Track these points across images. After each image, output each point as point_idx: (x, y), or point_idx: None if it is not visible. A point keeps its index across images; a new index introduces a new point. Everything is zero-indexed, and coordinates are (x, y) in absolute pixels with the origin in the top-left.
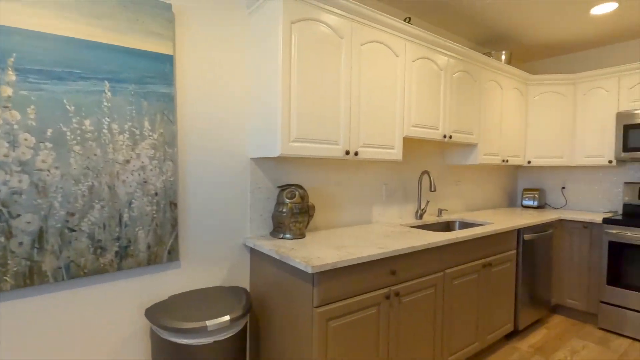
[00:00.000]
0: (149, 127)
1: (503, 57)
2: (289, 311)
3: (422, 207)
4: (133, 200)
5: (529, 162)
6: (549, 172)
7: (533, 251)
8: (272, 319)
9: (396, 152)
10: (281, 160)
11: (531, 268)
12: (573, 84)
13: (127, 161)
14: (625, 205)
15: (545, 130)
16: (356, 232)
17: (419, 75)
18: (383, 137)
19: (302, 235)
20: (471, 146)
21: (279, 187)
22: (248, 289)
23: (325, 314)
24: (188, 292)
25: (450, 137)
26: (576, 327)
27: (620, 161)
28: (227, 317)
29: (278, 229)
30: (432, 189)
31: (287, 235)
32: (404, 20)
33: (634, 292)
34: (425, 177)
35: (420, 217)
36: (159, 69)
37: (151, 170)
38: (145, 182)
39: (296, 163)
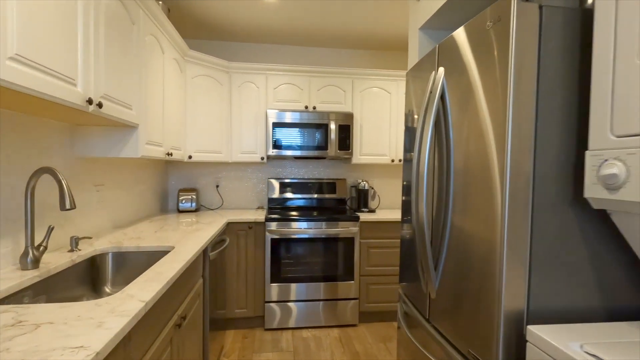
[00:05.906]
0: None
1: (160, 4)
2: None
3: (41, 241)
4: None
5: (190, 157)
6: (201, 169)
7: (215, 270)
8: None
9: None
10: None
11: (213, 293)
12: (228, 73)
13: None
14: (270, 200)
15: (205, 120)
16: None
17: None
18: None
19: None
20: (129, 128)
21: None
22: None
23: None
24: None
25: (100, 105)
26: (248, 338)
27: (269, 158)
28: None
29: None
30: (69, 206)
31: None
32: None
33: (291, 283)
34: (47, 181)
35: (36, 262)
36: None
37: None
38: None
39: None
